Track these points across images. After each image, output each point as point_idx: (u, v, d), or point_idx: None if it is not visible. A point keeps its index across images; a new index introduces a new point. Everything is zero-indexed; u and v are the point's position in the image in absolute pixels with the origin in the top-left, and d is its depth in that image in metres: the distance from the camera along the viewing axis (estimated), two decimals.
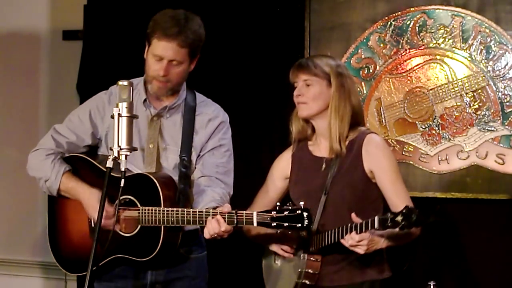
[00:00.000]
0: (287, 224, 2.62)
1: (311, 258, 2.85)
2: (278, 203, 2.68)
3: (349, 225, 2.70)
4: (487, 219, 3.82)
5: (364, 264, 2.83)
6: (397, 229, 2.56)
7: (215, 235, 2.75)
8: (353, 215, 2.71)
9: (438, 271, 3.80)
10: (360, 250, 2.69)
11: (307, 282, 2.84)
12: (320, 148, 2.96)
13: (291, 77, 2.97)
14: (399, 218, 2.53)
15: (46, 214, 3.16)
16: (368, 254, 2.74)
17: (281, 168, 3.07)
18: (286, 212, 2.63)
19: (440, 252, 3.72)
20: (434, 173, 3.89)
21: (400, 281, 3.00)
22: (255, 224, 2.67)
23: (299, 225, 2.62)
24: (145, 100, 3.04)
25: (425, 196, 3.85)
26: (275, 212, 2.64)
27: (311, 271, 2.83)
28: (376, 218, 2.60)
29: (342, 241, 2.72)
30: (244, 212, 2.71)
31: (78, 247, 3.06)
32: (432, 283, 2.81)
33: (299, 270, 2.84)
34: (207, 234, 2.77)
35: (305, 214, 2.62)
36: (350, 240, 2.68)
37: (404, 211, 2.54)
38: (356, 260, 2.81)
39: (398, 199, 2.80)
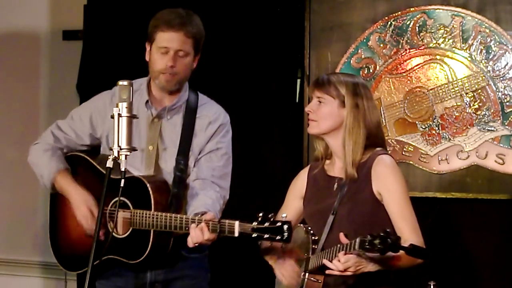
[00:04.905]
0: (267, 235, 2.60)
1: (312, 278, 2.77)
2: (261, 214, 2.64)
3: (336, 246, 2.63)
4: (487, 219, 3.82)
5: (367, 287, 2.76)
6: (378, 253, 2.50)
7: (198, 243, 2.74)
8: (341, 235, 2.64)
9: (438, 271, 3.80)
10: (347, 272, 2.61)
11: None
12: (334, 167, 2.89)
13: (309, 92, 2.93)
14: (377, 241, 2.46)
15: (48, 211, 3.19)
16: (372, 278, 2.68)
17: (297, 188, 3.00)
18: (266, 224, 2.60)
19: (440, 252, 3.71)
20: (434, 173, 3.89)
21: (400, 281, 2.99)
22: (236, 234, 2.64)
23: (279, 237, 2.59)
24: (147, 102, 3.04)
25: (425, 196, 3.85)
26: (256, 223, 2.61)
27: None
28: (357, 240, 2.53)
29: (328, 264, 2.63)
30: (226, 221, 2.68)
31: (75, 245, 3.07)
32: (432, 283, 2.80)
33: None
34: (190, 242, 2.75)
35: (285, 226, 2.59)
36: (336, 262, 2.60)
37: (381, 234, 2.47)
38: (359, 282, 2.74)
39: (403, 222, 2.70)
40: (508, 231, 3.78)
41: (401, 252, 2.53)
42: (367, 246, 2.48)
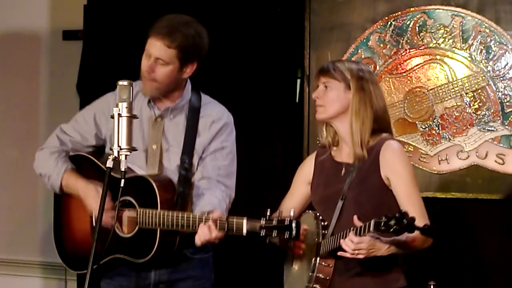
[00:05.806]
0: (275, 232, 2.61)
1: (323, 263, 2.80)
2: (269, 209, 2.66)
3: (349, 229, 2.66)
4: (487, 219, 3.82)
5: (378, 272, 2.78)
6: (393, 234, 2.53)
7: (206, 241, 2.75)
8: (354, 217, 2.67)
9: (438, 271, 3.80)
10: (360, 255, 2.65)
11: (318, 287, 2.80)
12: (342, 153, 2.92)
13: (314, 80, 2.98)
14: (392, 222, 2.49)
15: (52, 211, 3.19)
16: (381, 262, 2.71)
17: (304, 174, 3.03)
18: (274, 222, 2.62)
19: (440, 252, 3.72)
20: (434, 173, 3.89)
21: None
22: (244, 232, 2.66)
23: (287, 234, 2.61)
24: (149, 101, 3.05)
25: (425, 196, 3.82)
26: (264, 221, 2.62)
27: (322, 276, 2.79)
28: (372, 221, 2.55)
29: (342, 244, 2.67)
30: (234, 219, 2.70)
31: (80, 245, 3.08)
32: (432, 283, 2.80)
33: (310, 274, 2.81)
34: (198, 240, 2.76)
35: (293, 224, 2.60)
36: (348, 242, 2.64)
37: (397, 215, 2.50)
38: (369, 268, 2.76)
39: (412, 207, 2.70)
40: (508, 231, 3.78)
41: (416, 233, 2.56)
42: (383, 228, 2.51)
